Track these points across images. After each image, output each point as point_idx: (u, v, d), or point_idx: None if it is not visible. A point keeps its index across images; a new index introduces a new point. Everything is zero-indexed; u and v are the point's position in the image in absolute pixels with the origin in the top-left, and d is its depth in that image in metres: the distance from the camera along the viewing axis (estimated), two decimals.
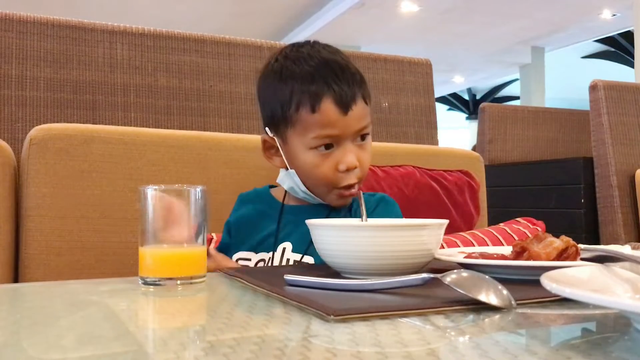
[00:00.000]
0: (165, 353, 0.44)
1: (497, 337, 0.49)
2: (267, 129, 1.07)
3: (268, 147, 1.08)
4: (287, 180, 1.06)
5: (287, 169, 1.06)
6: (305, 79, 0.99)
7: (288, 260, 1.03)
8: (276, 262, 1.03)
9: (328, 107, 0.98)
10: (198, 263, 0.76)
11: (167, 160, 1.29)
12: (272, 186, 1.16)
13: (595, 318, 0.55)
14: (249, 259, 1.07)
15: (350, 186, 1.02)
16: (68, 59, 1.41)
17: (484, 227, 1.51)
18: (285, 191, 1.10)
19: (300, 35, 9.09)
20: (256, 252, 1.07)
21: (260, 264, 1.05)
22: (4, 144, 1.21)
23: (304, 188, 1.04)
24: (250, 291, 0.68)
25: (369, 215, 0.99)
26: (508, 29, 9.17)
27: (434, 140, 1.87)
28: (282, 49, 1.09)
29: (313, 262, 1.00)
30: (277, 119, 1.03)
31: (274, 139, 1.05)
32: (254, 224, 1.10)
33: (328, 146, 1.00)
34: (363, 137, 1.03)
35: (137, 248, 0.76)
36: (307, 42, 1.08)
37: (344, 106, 0.98)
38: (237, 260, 1.07)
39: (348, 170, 1.00)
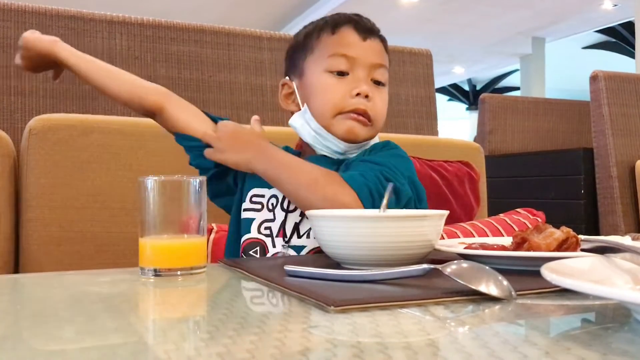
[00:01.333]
0: (165, 344, 0.44)
1: (497, 327, 0.49)
2: (286, 77, 1.12)
3: (286, 95, 1.12)
4: (299, 120, 1.08)
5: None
6: (330, 18, 1.08)
7: None
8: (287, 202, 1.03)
9: (347, 30, 1.05)
10: (198, 253, 0.76)
11: (167, 150, 1.29)
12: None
13: (595, 309, 0.55)
14: (263, 195, 1.06)
15: (359, 111, 1.02)
16: None
17: (484, 218, 1.51)
18: (302, 147, 1.12)
19: (300, 25, 9.02)
20: (269, 188, 1.05)
21: (272, 200, 1.05)
22: (3, 135, 1.21)
23: (314, 123, 1.05)
24: (250, 282, 0.68)
25: (369, 155, 1.03)
26: (508, 20, 9.14)
27: (434, 131, 1.87)
28: None
29: None
30: (297, 57, 1.09)
31: (292, 82, 1.10)
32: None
33: (343, 74, 1.03)
34: (379, 84, 1.06)
35: (136, 239, 0.76)
36: None
37: (363, 33, 1.05)
38: (251, 197, 1.07)
39: (359, 95, 1.02)
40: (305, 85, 1.08)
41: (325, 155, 1.07)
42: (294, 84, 1.10)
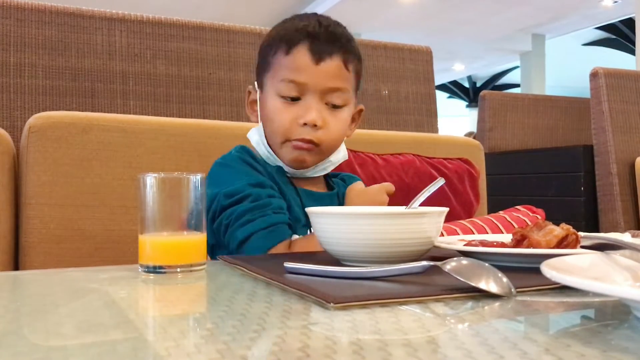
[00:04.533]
0: (165, 340, 0.44)
1: (496, 324, 0.49)
2: (255, 83, 1.10)
3: (251, 101, 1.11)
4: (255, 135, 1.08)
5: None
6: (291, 29, 1.03)
7: None
8: None
9: (301, 52, 1.00)
10: (198, 250, 0.76)
11: (166, 148, 1.29)
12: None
13: (595, 306, 0.55)
14: None
15: (305, 140, 1.01)
16: (66, 47, 1.40)
17: (483, 215, 1.51)
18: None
19: None
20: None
21: None
22: (3, 132, 1.21)
23: (266, 143, 1.05)
24: (250, 279, 0.68)
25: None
26: (509, 16, 9.13)
27: (434, 128, 1.86)
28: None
29: None
30: (260, 67, 1.07)
31: (255, 91, 1.08)
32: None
33: (295, 99, 1.01)
34: (335, 106, 1.02)
35: (136, 236, 0.76)
36: (314, 12, 1.11)
37: (317, 55, 0.99)
38: None
39: (306, 124, 1.00)
40: (262, 102, 1.06)
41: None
42: (257, 95, 1.08)
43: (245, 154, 1.06)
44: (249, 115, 1.12)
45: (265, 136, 1.05)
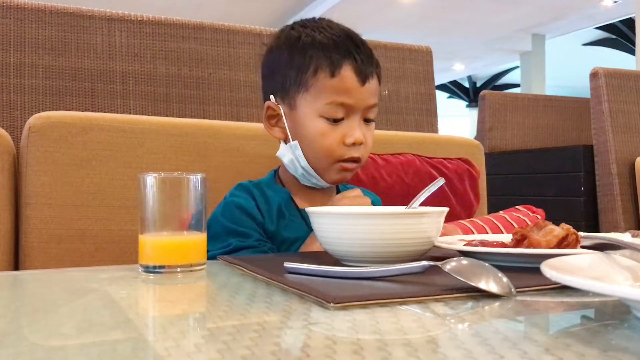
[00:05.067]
0: (165, 340, 0.44)
1: (496, 324, 0.49)
2: (272, 96, 1.06)
3: (270, 116, 1.07)
4: (288, 153, 1.05)
5: (286, 141, 1.06)
6: (327, 45, 1.00)
7: None
8: None
9: (348, 74, 0.99)
10: (198, 250, 0.76)
11: (167, 148, 1.29)
12: (275, 170, 1.14)
13: (594, 306, 0.55)
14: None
15: (353, 160, 1.02)
16: (66, 47, 1.40)
17: (483, 215, 1.51)
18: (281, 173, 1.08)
19: None
20: None
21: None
22: (3, 132, 1.21)
23: (304, 162, 1.03)
24: (250, 279, 0.68)
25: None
26: (509, 16, 9.13)
27: (434, 128, 1.86)
28: (295, 22, 1.08)
29: None
30: (289, 85, 1.02)
31: (279, 107, 1.05)
32: (277, 224, 1.04)
33: (337, 120, 1.00)
34: (368, 120, 1.04)
35: (136, 236, 0.76)
36: (321, 18, 1.08)
37: (363, 76, 1.00)
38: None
39: (355, 144, 1.00)
40: (296, 121, 1.03)
41: None
42: (282, 110, 1.04)
43: (243, 197, 1.04)
44: (267, 130, 1.08)
45: (305, 155, 1.03)
